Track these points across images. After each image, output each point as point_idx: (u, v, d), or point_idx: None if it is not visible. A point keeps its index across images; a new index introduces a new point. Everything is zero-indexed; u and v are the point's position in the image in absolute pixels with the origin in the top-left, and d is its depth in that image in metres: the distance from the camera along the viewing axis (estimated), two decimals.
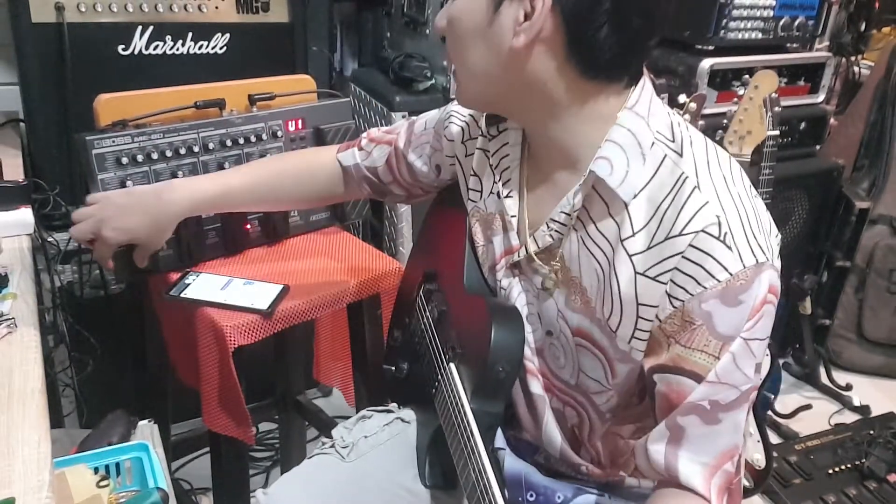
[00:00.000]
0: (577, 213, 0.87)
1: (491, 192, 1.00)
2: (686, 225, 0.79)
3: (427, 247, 1.24)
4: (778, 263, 0.82)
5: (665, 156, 0.83)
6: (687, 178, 0.81)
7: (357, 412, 1.50)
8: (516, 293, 0.97)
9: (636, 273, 0.83)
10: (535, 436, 1.02)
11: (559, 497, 1.02)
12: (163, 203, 1.18)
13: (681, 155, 0.83)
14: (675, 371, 0.82)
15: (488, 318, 0.92)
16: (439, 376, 1.00)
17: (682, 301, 0.80)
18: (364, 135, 1.22)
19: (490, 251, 1.01)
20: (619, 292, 0.84)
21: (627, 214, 0.83)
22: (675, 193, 0.81)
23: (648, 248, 0.82)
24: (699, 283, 0.79)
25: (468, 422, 0.89)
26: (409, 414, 1.12)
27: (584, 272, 0.88)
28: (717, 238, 0.78)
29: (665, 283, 0.81)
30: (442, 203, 1.21)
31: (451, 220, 1.15)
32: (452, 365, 0.97)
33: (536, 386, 0.99)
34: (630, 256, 0.83)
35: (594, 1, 0.77)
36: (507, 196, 0.96)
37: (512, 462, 1.03)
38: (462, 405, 0.91)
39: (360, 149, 1.21)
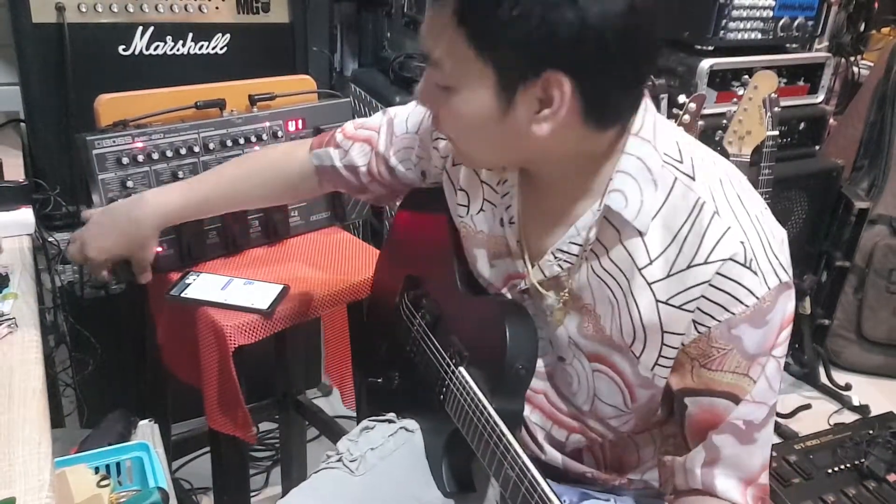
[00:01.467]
0: (591, 245, 0.86)
1: (481, 210, 0.98)
2: (710, 253, 0.79)
3: (400, 252, 1.20)
4: (791, 271, 0.82)
5: (676, 179, 0.82)
6: (704, 203, 0.80)
7: (357, 411, 1.50)
8: None
9: (657, 301, 0.82)
10: (537, 455, 1.01)
11: (565, 501, 1.00)
12: (133, 221, 1.19)
13: (693, 178, 0.82)
14: (706, 393, 0.83)
15: (500, 318, 0.91)
16: (448, 381, 0.98)
17: (709, 327, 0.80)
18: (338, 130, 1.17)
19: (493, 273, 0.99)
20: (641, 319, 0.83)
21: (643, 242, 0.82)
22: (694, 220, 0.80)
23: (669, 276, 0.81)
24: (727, 310, 0.79)
25: (494, 421, 0.87)
26: (411, 423, 1.10)
27: (598, 299, 0.87)
28: (744, 265, 0.78)
29: (692, 312, 0.80)
30: (411, 207, 1.17)
31: (425, 223, 1.13)
32: (462, 369, 0.95)
33: (536, 415, 0.98)
34: (650, 284, 0.82)
35: (610, 67, 0.74)
36: (510, 222, 0.94)
37: None
38: (484, 406, 0.89)
39: (337, 146, 1.16)
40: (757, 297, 0.78)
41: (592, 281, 0.87)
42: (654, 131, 0.83)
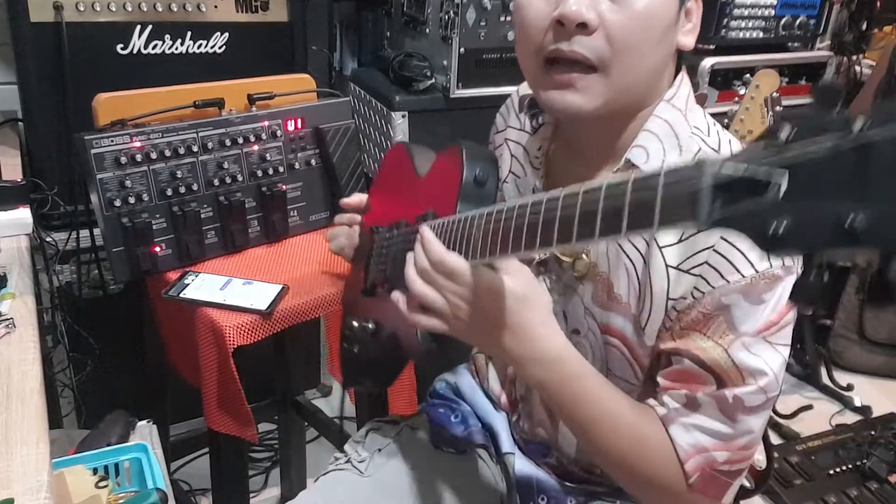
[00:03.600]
0: None
1: (505, 181, 0.99)
2: None
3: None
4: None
5: (700, 149, 0.82)
6: None
7: (356, 411, 1.50)
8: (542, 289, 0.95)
9: (668, 266, 0.81)
10: (550, 434, 1.01)
11: (571, 502, 1.00)
12: None
13: (718, 151, 0.82)
14: (689, 357, 0.81)
15: (455, 149, 0.85)
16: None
17: (703, 293, 0.79)
18: None
19: None
20: (652, 287, 0.83)
21: None
22: None
23: (680, 241, 0.80)
24: (722, 276, 0.77)
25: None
26: (416, 420, 1.10)
27: (613, 267, 0.86)
28: None
29: (696, 276, 0.79)
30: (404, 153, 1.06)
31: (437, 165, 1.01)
32: (427, 222, 0.84)
33: None
34: (661, 249, 0.82)
35: None
36: (540, 190, 0.94)
37: (522, 465, 1.02)
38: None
39: None
40: (755, 271, 0.76)
41: (610, 248, 0.86)
42: (686, 103, 0.84)
